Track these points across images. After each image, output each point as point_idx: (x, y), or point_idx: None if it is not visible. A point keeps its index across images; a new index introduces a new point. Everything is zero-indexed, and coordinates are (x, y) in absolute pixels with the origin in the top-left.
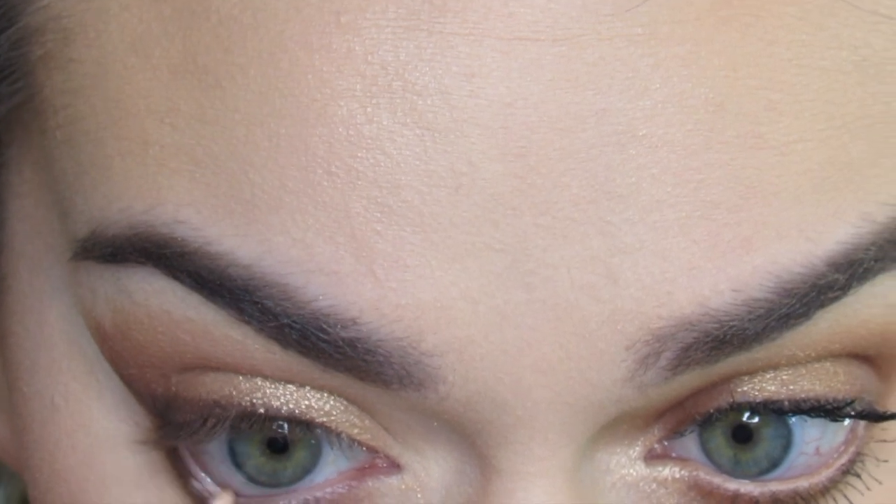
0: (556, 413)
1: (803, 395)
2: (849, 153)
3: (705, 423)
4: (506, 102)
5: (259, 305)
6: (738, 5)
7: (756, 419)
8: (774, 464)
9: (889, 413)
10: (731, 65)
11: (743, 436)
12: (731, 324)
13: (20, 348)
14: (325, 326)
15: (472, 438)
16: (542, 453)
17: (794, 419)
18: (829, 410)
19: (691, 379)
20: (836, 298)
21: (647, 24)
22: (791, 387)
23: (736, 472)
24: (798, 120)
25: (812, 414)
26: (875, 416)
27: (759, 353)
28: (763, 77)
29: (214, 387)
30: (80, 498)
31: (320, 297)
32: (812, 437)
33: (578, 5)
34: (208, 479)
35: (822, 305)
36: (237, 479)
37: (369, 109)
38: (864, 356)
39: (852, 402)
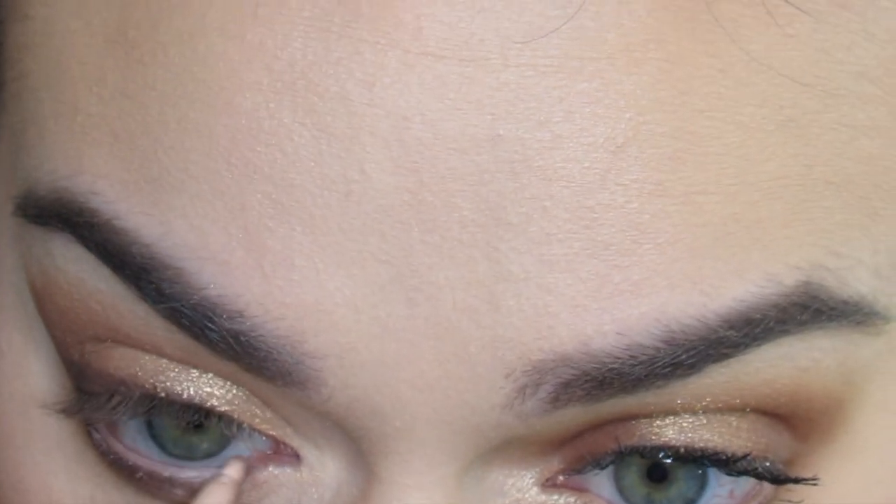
0: (435, 430)
1: (701, 445)
2: (758, 212)
3: (603, 463)
4: (404, 116)
5: (155, 286)
6: (655, 50)
7: (669, 460)
8: None
9: (788, 477)
10: (638, 108)
11: (658, 475)
12: (613, 366)
13: None
14: (212, 316)
15: (357, 443)
16: (421, 467)
17: (692, 464)
18: (723, 462)
19: (575, 414)
20: (730, 355)
21: (556, 57)
22: (690, 435)
23: None
24: (702, 171)
25: (707, 464)
26: (773, 478)
27: (649, 398)
28: (670, 125)
29: (122, 363)
30: (11, 442)
31: (211, 286)
32: (726, 479)
33: (490, 28)
34: (119, 445)
35: (715, 360)
36: (151, 450)
37: (272, 105)
38: (776, 415)
39: (747, 457)
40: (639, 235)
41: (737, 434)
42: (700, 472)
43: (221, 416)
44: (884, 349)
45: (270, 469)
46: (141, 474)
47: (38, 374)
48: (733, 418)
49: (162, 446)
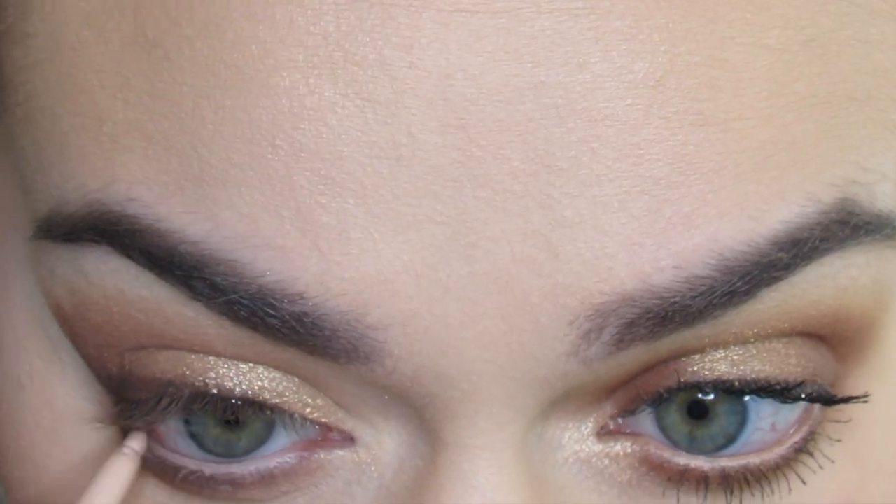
0: (501, 387)
1: (753, 376)
2: (792, 133)
3: (658, 401)
4: (445, 74)
5: (209, 282)
6: None
7: (711, 396)
8: (730, 440)
9: (840, 397)
10: (672, 40)
11: (698, 412)
12: (674, 300)
13: None
14: (272, 302)
15: (420, 412)
16: (488, 427)
17: (748, 396)
18: (779, 392)
19: (637, 354)
20: (781, 278)
21: None
22: (741, 367)
23: (692, 448)
24: (738, 97)
25: (762, 395)
26: (826, 400)
27: (705, 330)
28: (703, 53)
29: (167, 366)
30: (44, 473)
31: (267, 273)
32: (767, 413)
33: None
34: (165, 451)
35: (767, 284)
36: (193, 451)
37: (311, 80)
38: (819, 336)
39: (802, 384)
40: (685, 167)
41: (786, 361)
42: (740, 407)
43: (273, 409)
44: None
45: (321, 454)
46: (184, 474)
47: (65, 397)
48: (781, 345)
49: (201, 445)
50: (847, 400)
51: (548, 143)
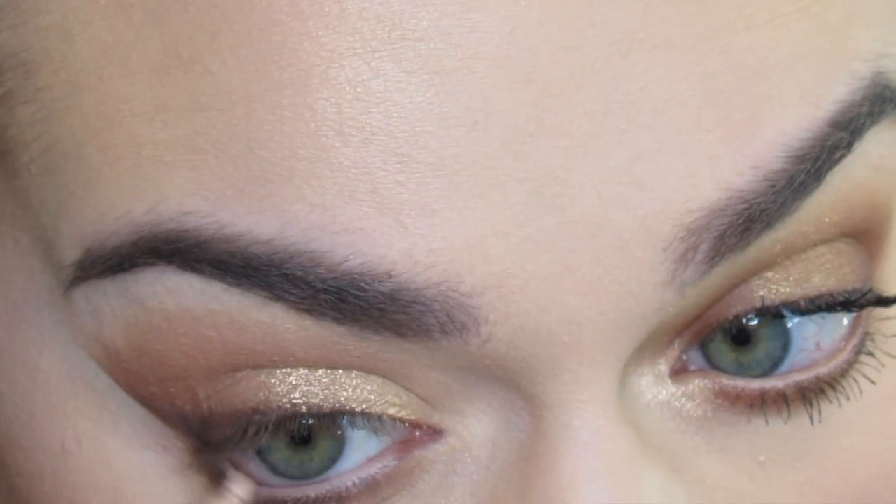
0: (601, 333)
1: (815, 293)
2: (825, 19)
3: (730, 329)
4: (506, 32)
5: (289, 277)
6: None
7: (755, 322)
8: (775, 363)
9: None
10: None
11: (742, 339)
12: (758, 201)
13: (10, 405)
14: (361, 285)
15: (515, 380)
16: (591, 377)
17: (794, 320)
18: (844, 304)
19: (724, 272)
20: (843, 157)
21: None
22: (804, 286)
23: (740, 374)
24: None
25: (829, 310)
26: (886, 302)
27: (780, 231)
28: None
29: (248, 394)
30: None
31: (350, 257)
32: (810, 332)
33: None
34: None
35: (831, 167)
36: (267, 474)
37: (373, 64)
38: (856, 235)
39: (867, 292)
40: (745, 71)
41: (841, 270)
42: (783, 329)
43: (362, 416)
44: None
45: (416, 452)
46: (260, 500)
47: (123, 452)
48: (833, 255)
49: (274, 468)
50: None
51: (615, 80)
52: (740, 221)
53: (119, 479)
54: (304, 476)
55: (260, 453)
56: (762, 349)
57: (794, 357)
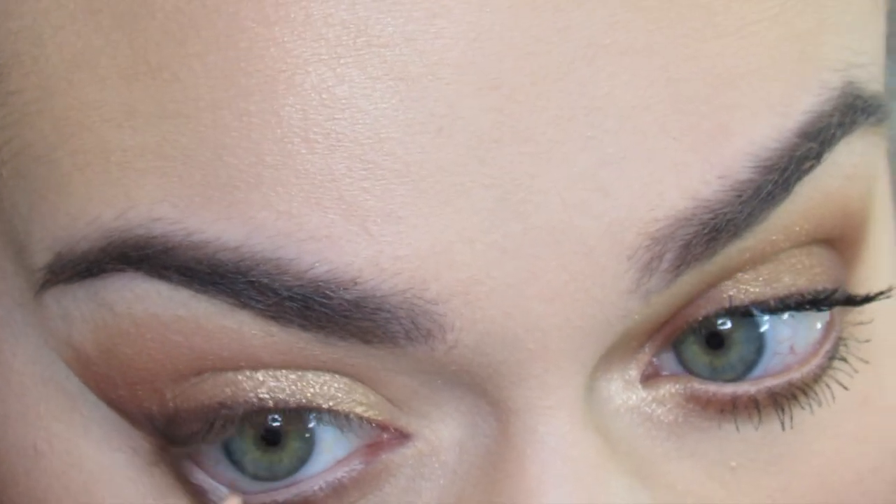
0: (567, 339)
1: (785, 292)
2: (795, 28)
3: (698, 330)
4: (471, 38)
5: (255, 284)
6: None
7: (728, 325)
8: (749, 367)
9: (867, 296)
10: None
11: (716, 343)
12: (724, 211)
13: None
14: (326, 292)
15: (482, 386)
16: (557, 383)
17: (766, 321)
18: (813, 302)
19: (690, 280)
20: (812, 168)
21: None
22: (774, 285)
23: (714, 378)
24: (747, 3)
25: (799, 309)
26: (855, 301)
27: (748, 241)
28: None
29: (215, 391)
30: None
31: (316, 265)
32: (784, 336)
33: None
34: (216, 484)
35: (800, 178)
36: (237, 477)
37: (338, 70)
38: (829, 241)
39: (835, 291)
40: (713, 79)
41: (811, 271)
42: (756, 333)
43: (329, 413)
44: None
45: (384, 456)
46: None
47: (94, 454)
48: (804, 256)
49: (243, 470)
50: (872, 298)
51: (580, 86)
52: (706, 231)
53: (90, 480)
54: (273, 477)
55: (230, 455)
56: (736, 352)
57: (769, 361)
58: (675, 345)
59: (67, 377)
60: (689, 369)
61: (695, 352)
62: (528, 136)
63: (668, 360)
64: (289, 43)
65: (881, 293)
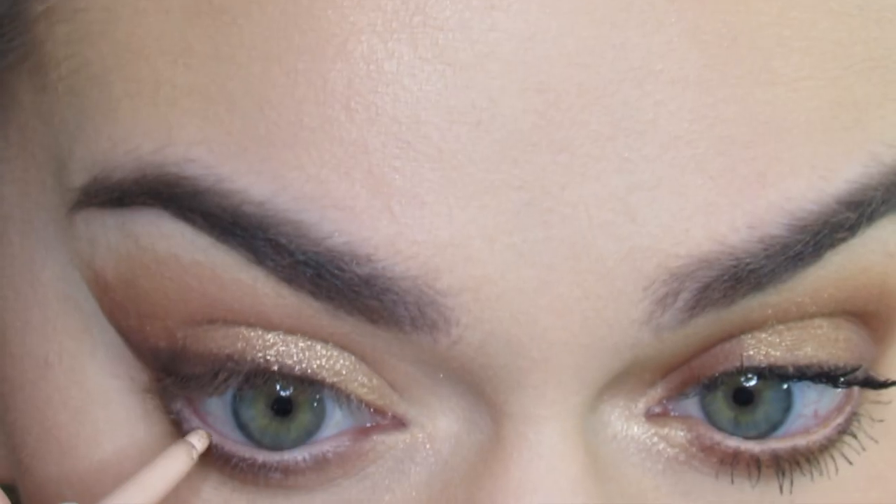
0: (572, 355)
1: (806, 362)
2: (855, 94)
3: (711, 386)
4: (525, 36)
5: (273, 243)
6: None
7: (755, 382)
8: (774, 426)
9: (888, 381)
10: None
11: (743, 398)
12: (748, 261)
13: (10, 311)
14: (340, 263)
15: (481, 385)
16: (555, 396)
17: (794, 383)
18: (831, 377)
19: (706, 325)
20: (845, 239)
21: None
22: (795, 353)
23: (736, 433)
24: (808, 57)
25: (815, 380)
26: (875, 384)
27: (772, 296)
28: (773, 13)
29: (226, 341)
30: (70, 453)
31: (335, 234)
32: (811, 399)
33: None
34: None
35: (833, 245)
36: (239, 440)
37: (390, 44)
38: (861, 315)
39: (855, 369)
40: (759, 126)
41: (836, 345)
42: (785, 394)
43: (330, 387)
44: None
45: (374, 437)
46: (235, 461)
47: (95, 376)
48: (830, 329)
49: (250, 436)
50: (892, 384)
51: (625, 107)
52: (726, 277)
53: (87, 400)
54: (278, 447)
55: (237, 418)
56: (762, 412)
57: (793, 422)
58: (704, 395)
59: (86, 298)
60: (713, 421)
61: (721, 406)
62: (564, 146)
63: (691, 408)
64: (346, 8)
65: None
